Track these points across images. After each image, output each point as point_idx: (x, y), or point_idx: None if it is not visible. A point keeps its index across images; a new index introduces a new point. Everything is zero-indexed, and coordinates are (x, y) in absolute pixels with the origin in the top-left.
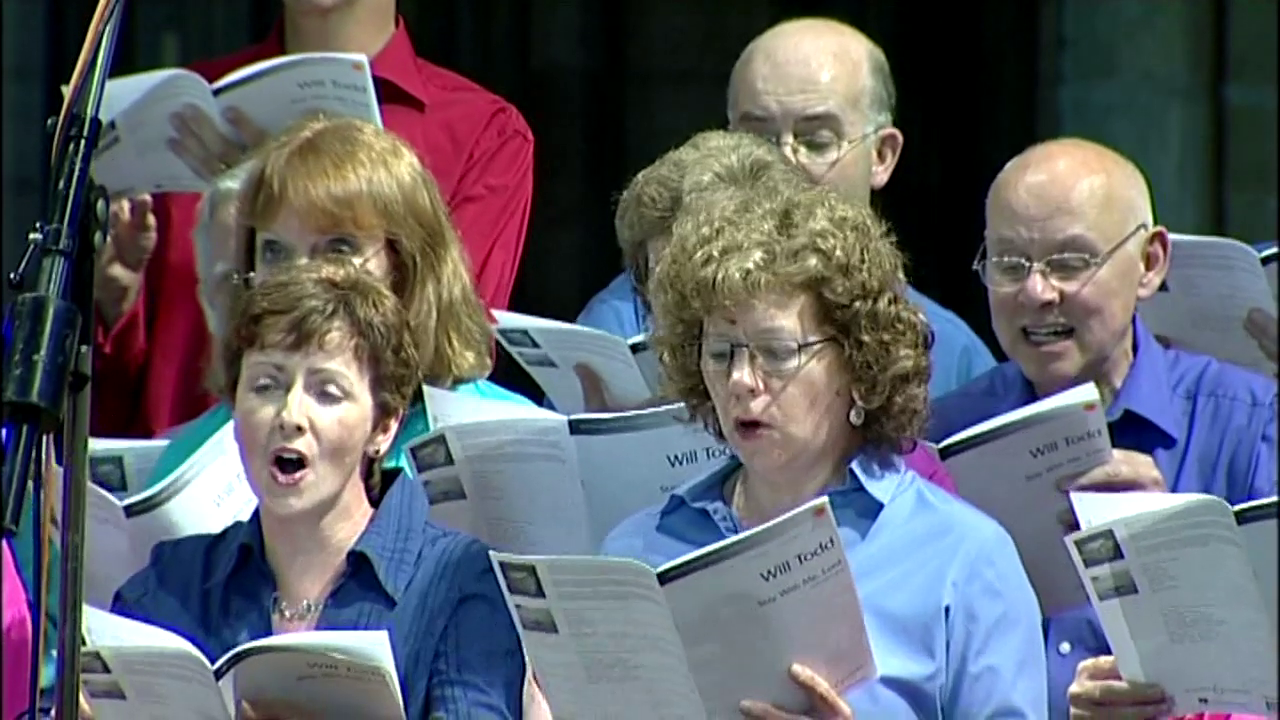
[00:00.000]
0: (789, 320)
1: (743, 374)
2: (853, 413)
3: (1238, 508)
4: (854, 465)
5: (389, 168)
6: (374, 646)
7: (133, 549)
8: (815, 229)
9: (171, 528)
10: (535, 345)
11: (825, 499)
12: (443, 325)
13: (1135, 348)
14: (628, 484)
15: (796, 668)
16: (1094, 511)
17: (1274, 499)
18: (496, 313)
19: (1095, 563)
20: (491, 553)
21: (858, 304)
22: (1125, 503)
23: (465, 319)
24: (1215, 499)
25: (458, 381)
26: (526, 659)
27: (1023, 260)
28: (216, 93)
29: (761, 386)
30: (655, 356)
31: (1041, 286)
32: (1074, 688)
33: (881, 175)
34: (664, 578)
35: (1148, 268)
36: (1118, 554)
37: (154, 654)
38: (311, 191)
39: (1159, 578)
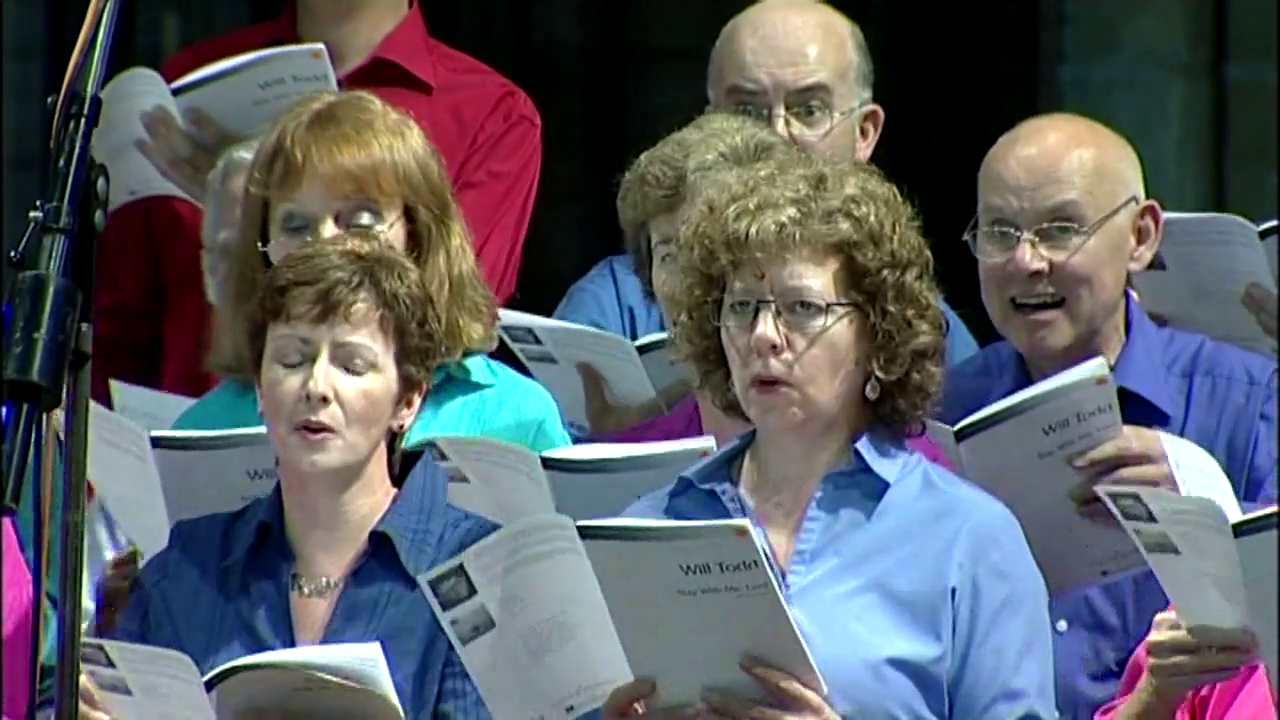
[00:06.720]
0: (818, 280)
1: (767, 329)
2: (869, 386)
3: (1235, 520)
4: (859, 446)
5: (405, 139)
6: (368, 665)
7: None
8: (849, 194)
9: (191, 473)
10: (538, 342)
11: (747, 521)
12: (454, 297)
13: (1129, 326)
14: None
15: (748, 661)
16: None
17: (1273, 509)
18: (499, 310)
19: (1133, 518)
20: (418, 576)
21: (886, 273)
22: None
23: (472, 292)
24: (1215, 504)
25: (467, 353)
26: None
27: (1012, 229)
28: (176, 93)
29: (784, 344)
30: (660, 358)
31: (1030, 256)
32: (1154, 636)
33: (864, 150)
34: (584, 533)
35: (1139, 241)
36: (1150, 517)
37: (156, 653)
38: (336, 157)
39: (1193, 544)
